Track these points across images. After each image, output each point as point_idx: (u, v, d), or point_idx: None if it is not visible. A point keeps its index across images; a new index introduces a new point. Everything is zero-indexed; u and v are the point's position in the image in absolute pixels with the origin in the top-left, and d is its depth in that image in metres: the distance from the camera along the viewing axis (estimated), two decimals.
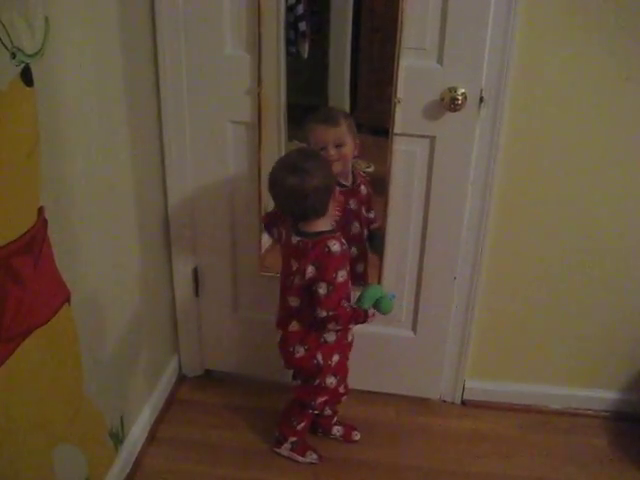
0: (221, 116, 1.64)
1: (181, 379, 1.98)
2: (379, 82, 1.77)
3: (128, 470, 1.57)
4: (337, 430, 1.77)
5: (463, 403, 1.91)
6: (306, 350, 1.50)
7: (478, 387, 1.89)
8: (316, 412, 1.65)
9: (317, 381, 1.55)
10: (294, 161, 1.38)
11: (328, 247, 1.38)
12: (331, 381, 1.56)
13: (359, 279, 1.68)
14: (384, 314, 1.48)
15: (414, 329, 1.84)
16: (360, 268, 1.72)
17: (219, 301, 1.90)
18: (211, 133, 1.66)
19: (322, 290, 1.38)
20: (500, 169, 1.60)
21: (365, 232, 1.70)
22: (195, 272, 1.86)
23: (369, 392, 1.92)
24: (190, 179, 1.73)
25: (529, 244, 1.70)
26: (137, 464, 1.62)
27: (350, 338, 1.59)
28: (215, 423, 1.82)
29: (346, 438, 1.76)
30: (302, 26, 1.66)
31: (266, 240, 1.74)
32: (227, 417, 1.84)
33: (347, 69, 1.75)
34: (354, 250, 1.63)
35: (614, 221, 1.65)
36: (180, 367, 1.99)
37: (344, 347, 1.58)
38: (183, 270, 1.85)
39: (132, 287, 1.60)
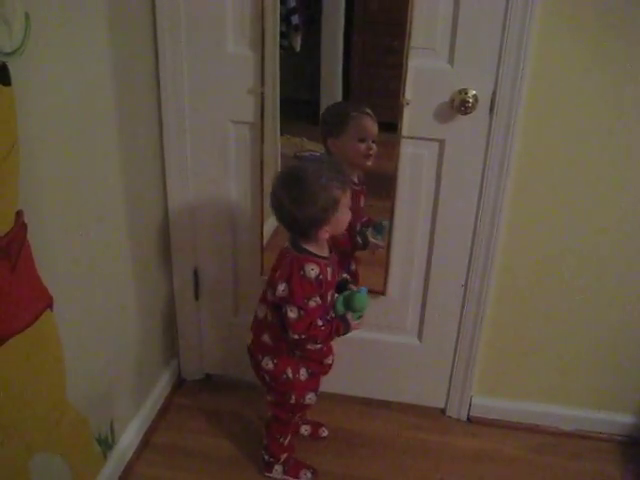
0: (223, 116, 1.60)
1: (180, 383, 1.94)
2: (372, 75, 1.75)
3: (117, 478, 1.54)
4: (305, 430, 1.73)
5: (469, 420, 1.83)
6: (275, 365, 1.45)
7: (485, 404, 1.81)
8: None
9: (293, 399, 1.48)
10: (301, 178, 1.24)
11: (304, 270, 1.29)
12: (310, 397, 1.50)
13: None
14: (359, 311, 1.38)
15: (420, 337, 1.78)
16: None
17: (219, 304, 1.86)
18: (212, 133, 1.63)
19: (293, 314, 1.30)
20: (513, 176, 1.51)
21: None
22: (195, 275, 1.82)
23: (372, 401, 1.87)
24: (191, 180, 1.69)
25: (542, 256, 1.61)
26: (127, 471, 1.58)
27: (329, 361, 1.52)
28: (212, 430, 1.77)
29: (314, 436, 1.73)
30: (295, 19, 1.63)
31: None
32: (225, 424, 1.79)
33: (339, 61, 1.71)
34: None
35: (632, 235, 1.54)
36: (180, 371, 1.95)
37: (319, 367, 1.50)
38: (183, 273, 1.81)
39: (126, 290, 1.56)
